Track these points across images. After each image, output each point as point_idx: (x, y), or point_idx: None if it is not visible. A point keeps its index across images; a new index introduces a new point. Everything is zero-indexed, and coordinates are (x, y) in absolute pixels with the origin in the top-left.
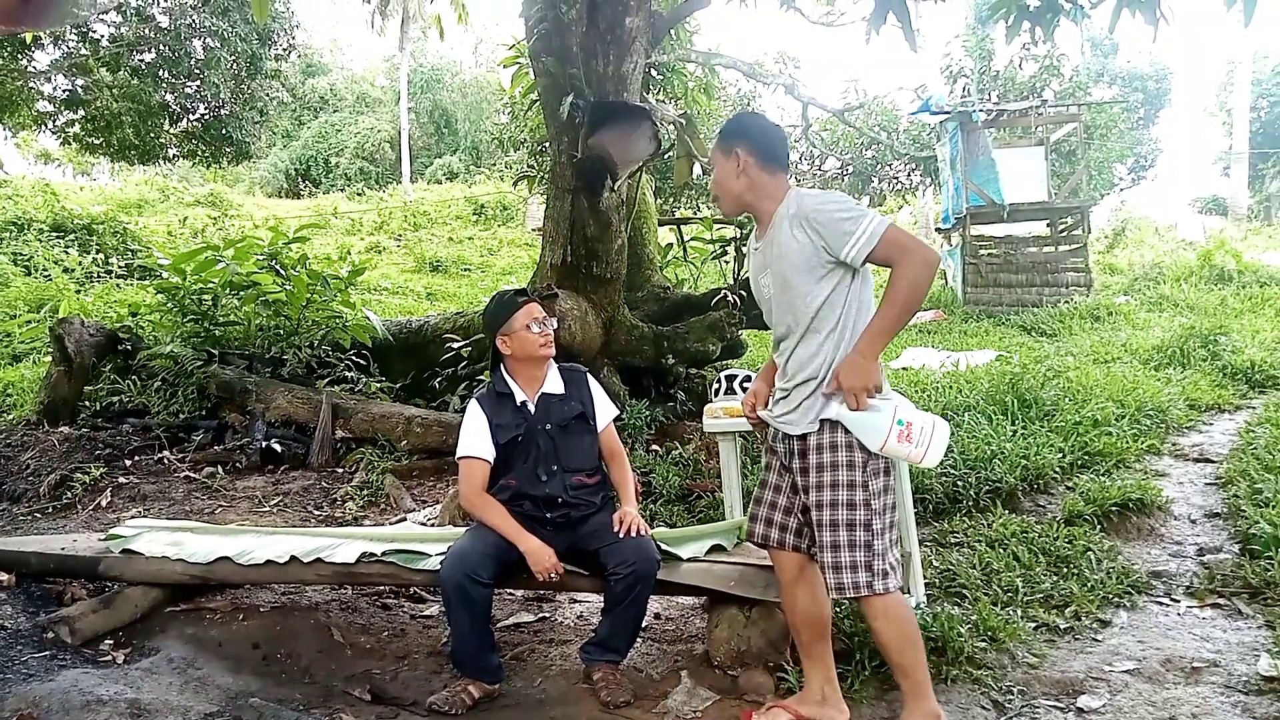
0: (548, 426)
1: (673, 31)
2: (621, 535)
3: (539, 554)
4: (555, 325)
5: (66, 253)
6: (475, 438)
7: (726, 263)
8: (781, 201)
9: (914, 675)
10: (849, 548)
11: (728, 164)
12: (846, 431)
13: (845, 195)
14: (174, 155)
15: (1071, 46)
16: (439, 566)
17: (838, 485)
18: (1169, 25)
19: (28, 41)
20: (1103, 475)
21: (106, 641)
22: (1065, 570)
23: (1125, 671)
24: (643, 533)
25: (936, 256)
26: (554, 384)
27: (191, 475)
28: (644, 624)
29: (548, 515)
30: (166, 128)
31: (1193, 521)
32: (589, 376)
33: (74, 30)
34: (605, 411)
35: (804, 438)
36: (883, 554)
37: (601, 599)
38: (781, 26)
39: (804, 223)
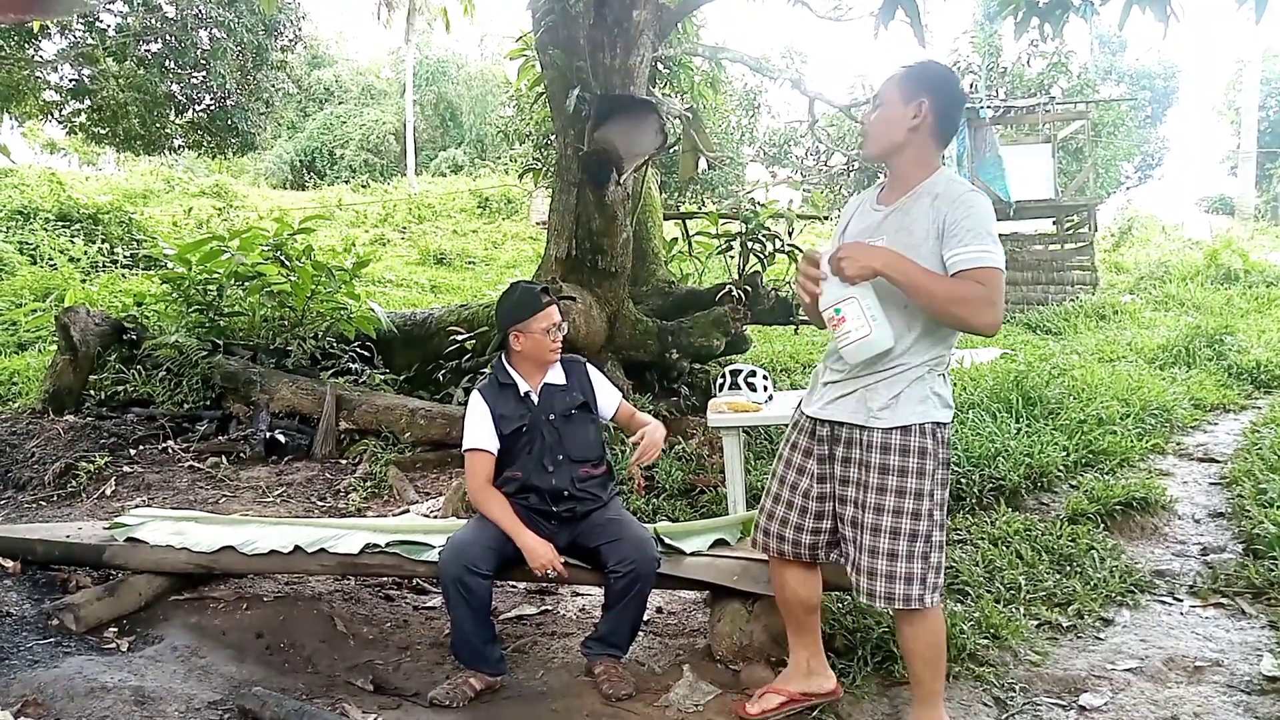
0: (551, 417)
1: (679, 25)
2: (637, 452)
3: (537, 550)
4: (566, 330)
5: (72, 242)
6: (479, 430)
7: (731, 258)
8: (930, 176)
9: (931, 686)
10: (906, 558)
11: (905, 110)
12: (921, 435)
13: (990, 206)
14: (179, 146)
15: (1080, 44)
16: None
17: (904, 492)
18: (1179, 22)
19: (35, 31)
20: (1107, 474)
21: (111, 629)
22: (1068, 568)
23: (1127, 670)
24: (656, 445)
25: (994, 325)
26: (556, 375)
27: (196, 465)
28: (646, 618)
29: (554, 509)
30: (172, 118)
31: (1196, 521)
32: (588, 366)
33: (81, 20)
34: (609, 396)
35: (865, 431)
36: (937, 567)
37: (603, 592)
38: (789, 21)
39: (946, 205)
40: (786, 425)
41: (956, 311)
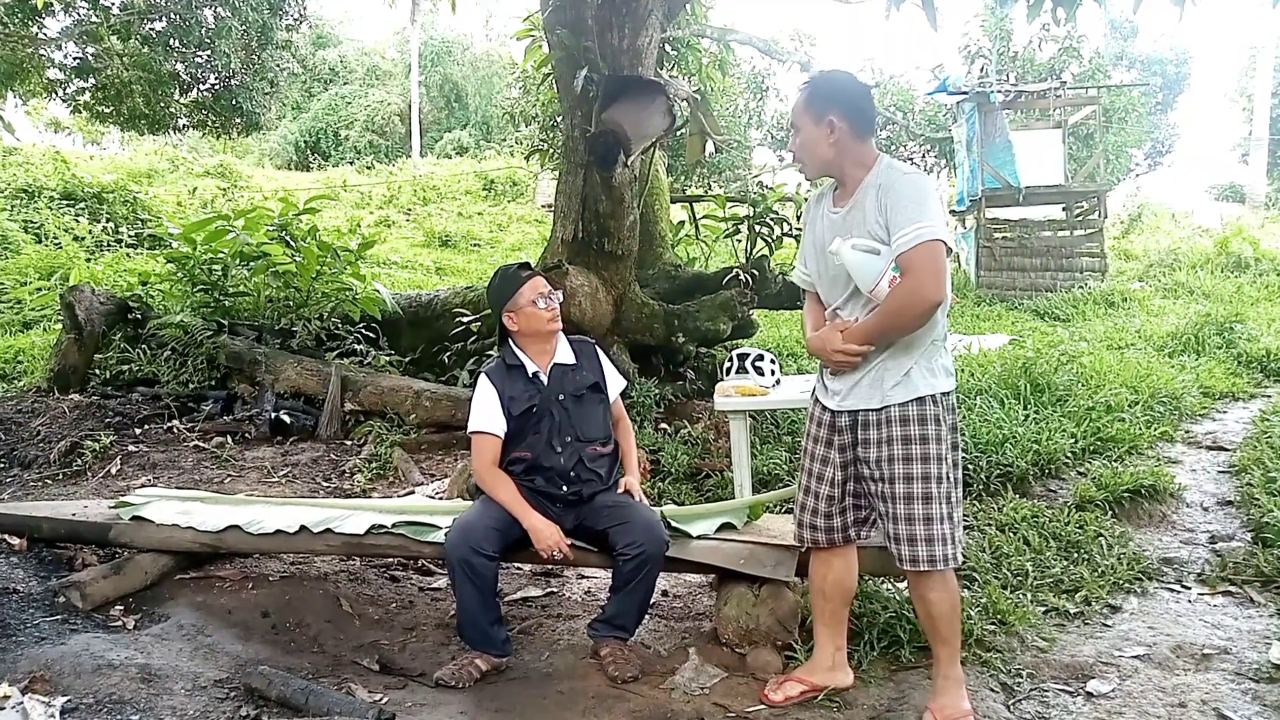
0: (561, 397)
1: (688, 6)
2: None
3: (543, 531)
4: (561, 299)
5: (77, 221)
6: (486, 413)
7: (738, 241)
8: (870, 170)
9: (953, 644)
10: (938, 521)
11: (818, 130)
12: (933, 405)
13: (928, 184)
14: (184, 125)
15: (1092, 29)
16: None
17: (927, 459)
18: (1195, 6)
19: (39, 8)
20: (1115, 461)
21: (117, 607)
22: (1076, 555)
23: (1135, 657)
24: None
25: (935, 299)
26: (565, 354)
27: (201, 445)
28: (652, 601)
29: (562, 490)
30: (176, 97)
31: (1205, 509)
32: (597, 347)
33: None
34: (615, 382)
35: (881, 410)
36: (957, 525)
37: (610, 574)
38: (798, 3)
39: (884, 195)
40: (793, 408)
41: (905, 322)
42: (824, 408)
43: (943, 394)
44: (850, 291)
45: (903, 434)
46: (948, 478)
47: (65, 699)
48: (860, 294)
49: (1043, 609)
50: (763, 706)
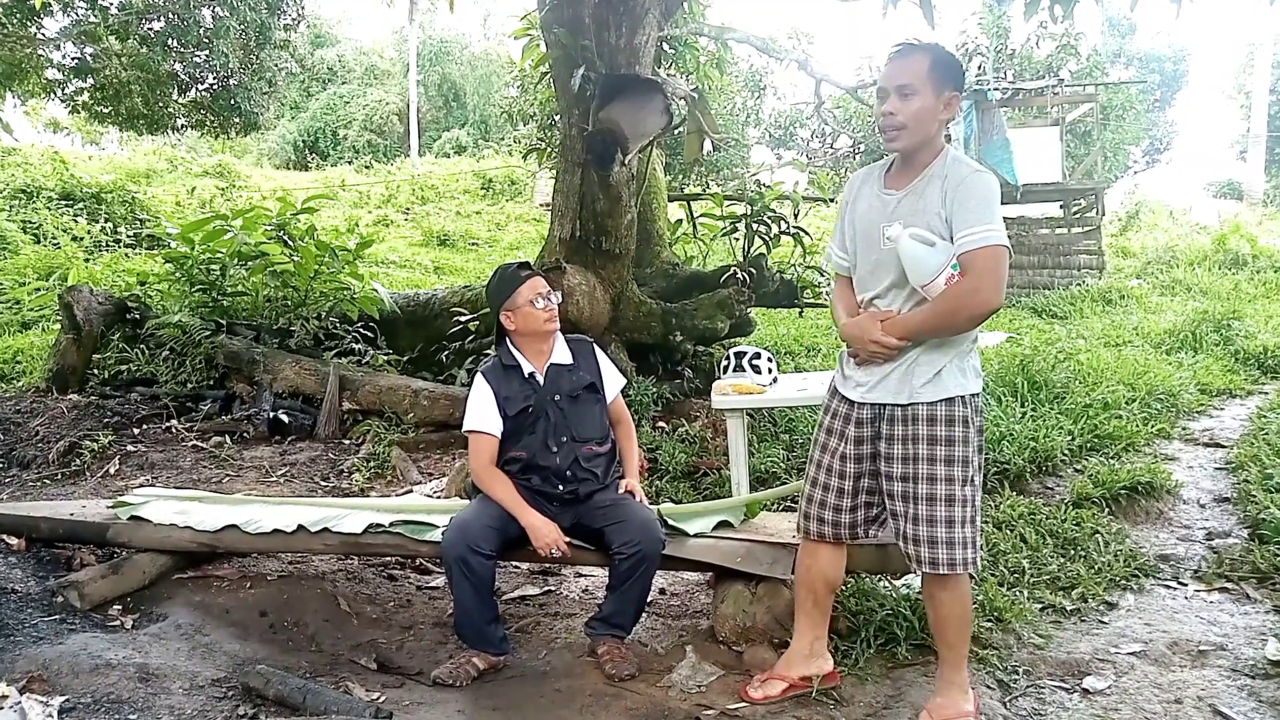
0: (557, 397)
1: (685, 4)
2: (633, 468)
3: (541, 529)
4: (559, 299)
5: (75, 221)
6: (481, 412)
7: (736, 240)
8: (938, 157)
9: (960, 649)
10: (960, 524)
11: (937, 104)
12: (962, 406)
13: (996, 185)
14: (182, 125)
15: (1089, 26)
16: None
17: (952, 461)
18: (1192, 3)
19: (37, 8)
20: (1112, 458)
21: (115, 607)
22: (1072, 552)
23: (1131, 654)
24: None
25: (992, 304)
26: (562, 354)
27: (199, 444)
28: (649, 599)
29: (558, 489)
30: (175, 97)
31: (1202, 506)
32: (595, 347)
33: None
34: (614, 381)
35: (908, 407)
36: (978, 530)
37: (607, 573)
38: (796, 0)
39: (952, 189)
40: (790, 407)
41: (957, 323)
42: (843, 398)
43: (971, 395)
44: (893, 280)
45: (929, 434)
46: (972, 481)
47: (63, 698)
48: (905, 285)
49: (1039, 606)
50: (759, 704)
